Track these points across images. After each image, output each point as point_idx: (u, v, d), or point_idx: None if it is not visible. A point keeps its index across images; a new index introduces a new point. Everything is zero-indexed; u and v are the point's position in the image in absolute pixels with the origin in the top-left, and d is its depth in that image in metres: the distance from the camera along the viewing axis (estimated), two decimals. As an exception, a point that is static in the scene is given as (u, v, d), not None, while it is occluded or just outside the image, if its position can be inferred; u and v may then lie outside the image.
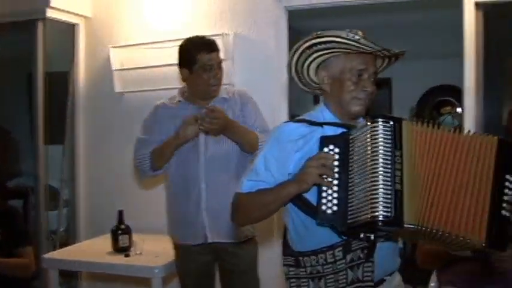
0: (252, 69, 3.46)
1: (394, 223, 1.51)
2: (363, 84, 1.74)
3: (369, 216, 1.52)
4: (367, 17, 4.55)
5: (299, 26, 4.00)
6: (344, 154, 1.64)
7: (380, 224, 1.50)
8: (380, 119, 1.57)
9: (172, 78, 3.52)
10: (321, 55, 1.77)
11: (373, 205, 1.51)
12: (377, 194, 1.51)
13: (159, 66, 3.70)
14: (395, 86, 7.14)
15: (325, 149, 1.65)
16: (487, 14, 3.19)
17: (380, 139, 1.55)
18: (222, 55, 2.79)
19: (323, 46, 1.72)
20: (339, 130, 1.72)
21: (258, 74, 3.41)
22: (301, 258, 1.78)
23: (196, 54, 2.58)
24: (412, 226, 1.51)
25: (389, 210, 1.49)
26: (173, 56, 2.82)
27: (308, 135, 1.73)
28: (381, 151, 1.54)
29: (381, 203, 1.50)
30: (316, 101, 6.16)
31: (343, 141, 1.66)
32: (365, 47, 1.69)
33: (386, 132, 1.56)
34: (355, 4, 3.43)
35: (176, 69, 2.83)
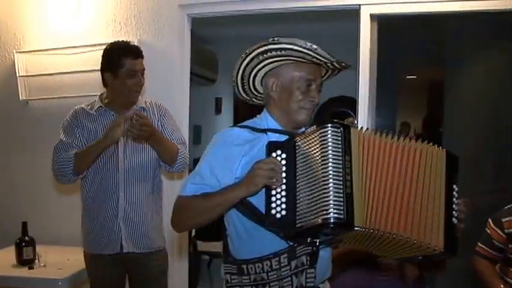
0: (155, 76, 3.42)
1: (346, 225, 1.54)
2: (311, 94, 1.78)
3: (320, 220, 1.53)
4: (271, 26, 4.53)
5: (203, 33, 3.91)
6: (291, 159, 1.66)
7: (332, 226, 1.53)
8: (329, 125, 1.60)
9: (80, 86, 3.64)
10: (273, 62, 1.80)
11: (325, 208, 1.53)
12: (328, 197, 1.53)
13: (65, 73, 3.68)
14: None
15: (273, 154, 1.66)
16: (382, 27, 3.43)
17: (330, 144, 1.58)
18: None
19: (278, 53, 1.75)
20: (283, 138, 1.74)
21: (161, 82, 3.48)
22: (244, 266, 1.77)
23: (123, 58, 2.56)
24: (362, 229, 1.55)
25: (341, 212, 1.52)
26: (80, 63, 3.26)
27: (254, 141, 1.75)
28: (330, 156, 1.57)
29: (332, 205, 1.52)
30: (217, 110, 5.96)
31: (290, 147, 1.67)
32: (320, 58, 1.75)
33: (336, 138, 1.59)
34: (259, 13, 3.63)
35: (83, 76, 3.23)
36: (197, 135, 6.62)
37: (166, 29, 3.52)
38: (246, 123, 1.89)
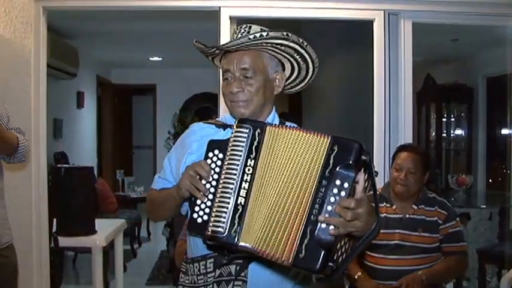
0: (7, 69, 3.24)
1: (226, 241, 1.40)
2: (229, 87, 1.61)
3: (209, 231, 1.42)
4: (134, 22, 4.54)
5: (62, 27, 3.93)
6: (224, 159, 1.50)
7: (209, 239, 1.43)
8: (240, 124, 1.48)
9: None
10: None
11: (212, 219, 1.42)
12: (216, 207, 1.42)
13: None
14: (160, 92, 8.89)
15: (210, 154, 1.51)
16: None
17: (234, 147, 1.45)
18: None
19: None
20: None
21: (13, 75, 3.29)
22: (186, 265, 1.70)
23: None
24: (247, 246, 1.38)
25: (222, 226, 1.39)
26: None
27: (205, 138, 1.60)
28: (231, 160, 1.44)
29: (215, 217, 1.41)
30: (79, 104, 6.03)
31: (225, 146, 1.50)
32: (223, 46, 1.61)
33: (241, 139, 1.45)
34: (117, 9, 3.59)
35: None
36: (58, 129, 6.45)
37: (19, 21, 3.33)
38: (219, 118, 1.83)
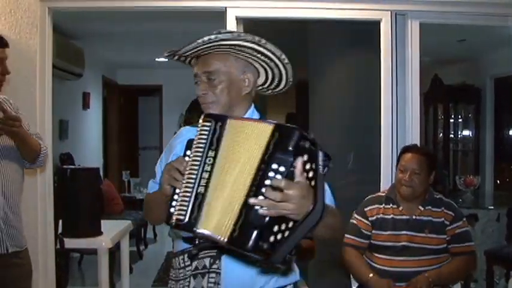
0: (13, 69, 3.10)
1: (187, 228, 1.48)
2: (197, 89, 1.71)
3: (173, 219, 1.50)
4: (140, 23, 4.57)
5: (68, 28, 3.93)
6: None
7: (174, 227, 1.51)
8: (204, 119, 1.57)
9: None
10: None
11: (177, 208, 1.50)
12: (181, 197, 1.50)
13: None
14: (167, 93, 8.99)
15: (188, 152, 1.57)
16: (249, 28, 3.49)
17: (198, 140, 1.54)
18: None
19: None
20: None
21: (19, 75, 3.23)
22: (173, 260, 1.79)
23: None
24: (207, 233, 1.44)
25: (183, 214, 1.48)
26: None
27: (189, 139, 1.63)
28: (195, 153, 1.52)
29: (179, 206, 1.49)
30: (85, 105, 6.05)
31: None
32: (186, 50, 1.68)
33: (204, 132, 1.54)
34: (123, 10, 3.59)
35: None
36: (64, 130, 6.43)
37: (24, 21, 3.34)
38: None
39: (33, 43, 3.33)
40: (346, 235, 2.91)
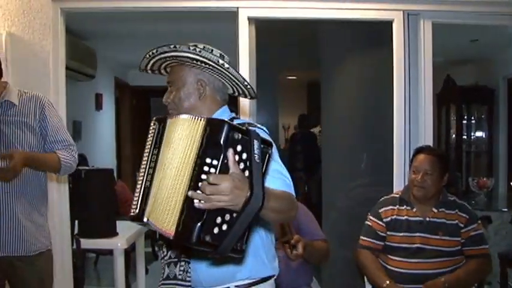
0: (26, 70, 3.28)
1: (136, 219, 1.64)
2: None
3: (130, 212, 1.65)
4: (151, 24, 4.53)
5: (80, 29, 4.02)
6: None
7: (129, 219, 1.68)
8: (152, 122, 1.72)
9: None
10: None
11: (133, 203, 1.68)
12: (135, 192, 1.68)
13: None
14: None
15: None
16: (261, 29, 3.57)
17: (148, 141, 1.70)
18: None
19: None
20: None
21: (33, 77, 3.29)
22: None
23: None
24: (156, 226, 1.56)
25: (135, 206, 1.65)
26: None
27: None
28: (145, 152, 1.69)
29: (134, 199, 1.67)
30: (98, 106, 6.80)
31: None
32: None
33: (151, 133, 1.70)
34: (135, 11, 3.59)
35: None
36: (77, 131, 6.40)
37: (37, 22, 3.35)
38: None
39: (46, 44, 3.34)
40: (361, 237, 2.91)
